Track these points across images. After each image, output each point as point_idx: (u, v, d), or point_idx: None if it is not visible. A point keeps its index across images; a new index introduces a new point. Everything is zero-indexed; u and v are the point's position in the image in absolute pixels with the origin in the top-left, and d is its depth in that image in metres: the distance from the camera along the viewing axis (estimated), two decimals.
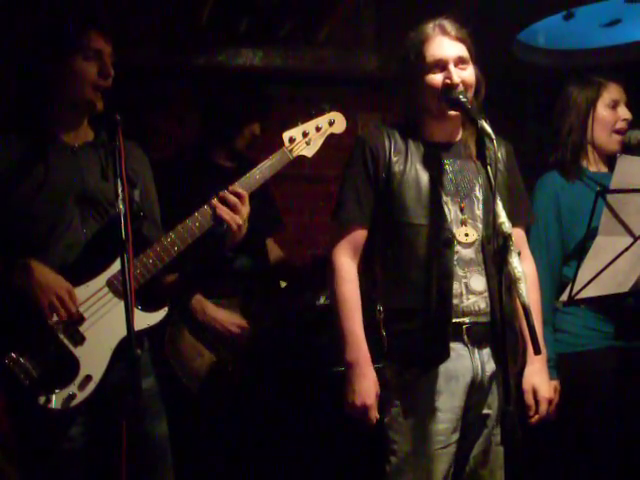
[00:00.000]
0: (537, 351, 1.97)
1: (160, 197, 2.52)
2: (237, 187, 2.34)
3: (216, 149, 3.17)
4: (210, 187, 2.36)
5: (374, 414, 2.23)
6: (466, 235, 2.27)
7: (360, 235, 2.33)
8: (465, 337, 2.24)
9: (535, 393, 2.36)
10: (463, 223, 2.28)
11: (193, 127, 3.40)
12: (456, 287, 2.24)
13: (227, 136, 3.15)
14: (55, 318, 2.12)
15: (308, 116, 2.50)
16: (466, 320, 2.24)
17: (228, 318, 3.00)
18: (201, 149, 3.21)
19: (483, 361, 2.26)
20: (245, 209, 2.33)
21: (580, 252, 2.51)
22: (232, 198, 2.31)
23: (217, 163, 3.17)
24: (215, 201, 2.31)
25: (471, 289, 2.25)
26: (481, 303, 2.25)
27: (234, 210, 2.30)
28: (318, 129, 2.49)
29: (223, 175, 3.01)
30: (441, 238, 2.24)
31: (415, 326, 2.22)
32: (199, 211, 2.30)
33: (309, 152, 2.48)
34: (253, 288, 3.13)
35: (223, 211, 2.30)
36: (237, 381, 3.00)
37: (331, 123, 2.52)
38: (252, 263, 3.13)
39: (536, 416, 2.37)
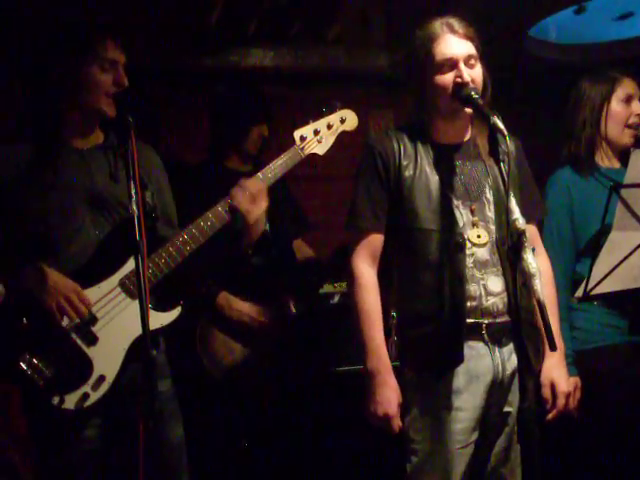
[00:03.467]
0: (552, 347, 1.96)
1: (180, 204, 2.52)
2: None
3: (228, 154, 3.18)
4: (228, 191, 2.36)
5: (397, 423, 2.23)
6: (479, 237, 2.27)
7: (377, 241, 2.32)
8: (485, 335, 2.24)
9: (553, 387, 2.35)
10: (474, 225, 2.27)
11: (205, 129, 3.40)
12: (475, 289, 2.23)
13: (235, 139, 3.15)
14: (65, 320, 2.13)
15: (319, 114, 2.50)
16: (485, 321, 2.24)
17: (254, 310, 3.06)
18: (214, 154, 3.21)
19: (504, 359, 2.26)
20: (263, 203, 2.32)
21: (593, 248, 2.49)
22: (250, 188, 2.30)
23: (232, 168, 3.17)
24: (233, 192, 2.30)
25: (489, 290, 2.24)
26: (499, 304, 2.25)
27: (251, 201, 2.29)
28: (329, 127, 2.49)
29: (239, 179, 3.03)
30: (453, 242, 2.24)
31: (429, 331, 2.22)
32: (211, 210, 2.31)
33: (321, 150, 2.48)
34: (279, 288, 3.17)
35: (239, 202, 2.29)
36: (274, 374, 3.06)
37: (342, 120, 2.52)
38: (279, 265, 3.15)
39: (554, 411, 2.36)
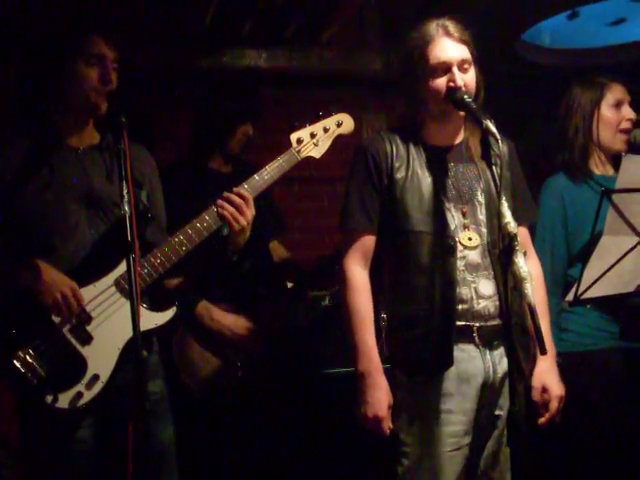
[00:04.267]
0: (543, 351, 1.96)
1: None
2: (242, 189, 2.34)
3: (211, 153, 3.12)
4: (208, 193, 2.35)
5: (387, 425, 2.22)
6: (470, 239, 2.27)
7: (369, 242, 2.32)
8: (476, 338, 2.24)
9: (545, 391, 2.35)
10: (466, 227, 2.28)
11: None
12: (466, 292, 2.24)
13: (219, 139, 3.09)
14: (60, 316, 2.13)
15: (316, 117, 2.51)
16: (476, 324, 2.24)
17: (235, 322, 2.96)
18: (196, 154, 3.15)
19: (495, 362, 2.27)
20: (250, 212, 2.33)
21: (586, 253, 2.50)
22: (237, 199, 2.32)
23: (213, 168, 3.11)
24: (220, 201, 2.31)
25: (480, 294, 2.24)
26: (491, 307, 2.25)
27: (239, 211, 2.31)
28: (326, 130, 2.51)
29: (220, 180, 2.98)
30: (444, 245, 2.24)
31: (419, 334, 2.22)
32: (206, 211, 2.31)
33: (317, 153, 2.50)
34: (258, 291, 3.11)
35: (227, 211, 2.30)
36: (246, 386, 2.97)
37: (339, 124, 2.54)
38: (256, 266, 3.11)
39: (547, 414, 2.36)
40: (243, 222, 2.32)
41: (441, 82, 2.24)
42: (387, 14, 4.31)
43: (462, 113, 2.24)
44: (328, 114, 2.54)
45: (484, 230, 2.29)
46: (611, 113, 2.83)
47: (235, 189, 2.34)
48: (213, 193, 2.35)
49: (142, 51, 3.84)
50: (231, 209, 2.31)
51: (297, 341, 3.32)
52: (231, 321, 2.95)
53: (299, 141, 2.45)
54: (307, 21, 4.09)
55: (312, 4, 3.95)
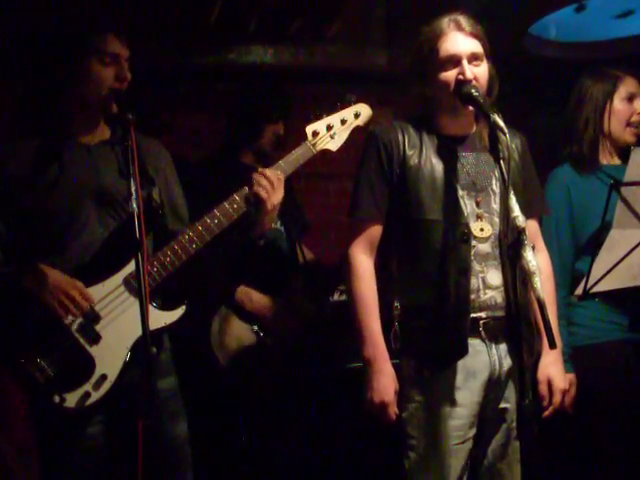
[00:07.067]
0: (552, 345, 1.97)
1: (190, 198, 2.49)
2: (273, 170, 2.29)
3: (243, 149, 3.16)
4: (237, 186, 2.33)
5: (393, 410, 2.24)
6: (481, 230, 2.26)
7: (376, 231, 2.33)
8: (482, 333, 2.24)
9: (550, 384, 2.36)
10: (479, 217, 2.27)
11: (205, 125, 3.40)
12: (473, 282, 2.23)
13: (251, 136, 3.13)
14: (69, 318, 2.13)
15: (333, 108, 2.43)
16: (483, 315, 2.24)
17: (273, 302, 3.02)
18: (229, 149, 3.20)
19: (500, 357, 2.27)
20: (280, 192, 2.28)
21: (594, 246, 2.50)
22: (272, 175, 2.26)
23: (244, 162, 3.15)
24: (257, 175, 2.26)
25: (488, 284, 2.24)
26: (498, 297, 2.25)
27: (272, 187, 2.25)
28: (343, 122, 2.42)
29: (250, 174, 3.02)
30: (457, 233, 2.24)
31: (432, 322, 2.22)
32: (218, 208, 2.27)
33: (334, 146, 2.41)
34: (292, 285, 3.16)
35: (263, 186, 2.25)
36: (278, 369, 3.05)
37: (357, 115, 2.45)
38: (290, 262, 3.15)
39: (550, 407, 2.36)
40: (275, 200, 2.27)
41: (451, 75, 2.24)
42: (392, 9, 4.30)
43: (470, 108, 2.23)
44: (346, 104, 2.44)
45: (497, 219, 2.28)
46: (623, 106, 2.81)
47: (267, 169, 2.29)
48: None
49: (147, 48, 3.84)
50: (266, 183, 2.25)
51: (307, 337, 3.32)
52: (269, 302, 3.02)
53: (315, 134, 2.37)
54: (312, 17, 4.09)
55: (317, 0, 3.95)
